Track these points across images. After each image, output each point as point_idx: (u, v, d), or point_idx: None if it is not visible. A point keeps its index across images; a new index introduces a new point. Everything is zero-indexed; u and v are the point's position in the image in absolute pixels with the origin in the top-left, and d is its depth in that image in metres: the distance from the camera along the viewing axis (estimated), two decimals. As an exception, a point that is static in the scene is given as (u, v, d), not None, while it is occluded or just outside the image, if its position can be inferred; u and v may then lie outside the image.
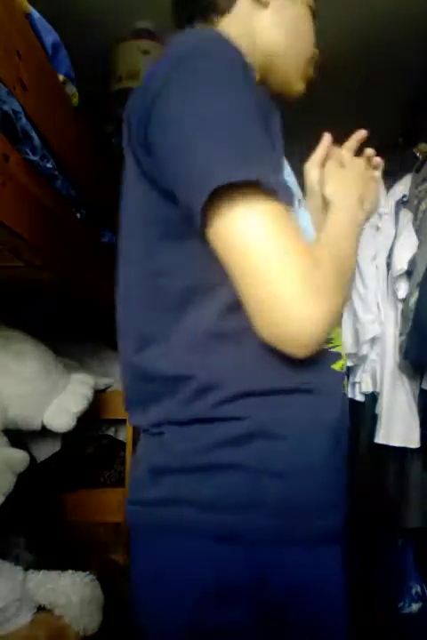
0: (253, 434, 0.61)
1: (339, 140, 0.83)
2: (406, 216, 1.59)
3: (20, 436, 1.37)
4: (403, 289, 1.54)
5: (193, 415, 0.62)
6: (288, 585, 0.61)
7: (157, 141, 0.61)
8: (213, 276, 0.61)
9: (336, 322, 0.67)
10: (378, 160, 0.83)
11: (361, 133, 0.83)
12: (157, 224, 0.64)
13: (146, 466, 0.67)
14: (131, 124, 0.65)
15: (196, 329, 0.62)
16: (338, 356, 0.69)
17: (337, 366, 0.69)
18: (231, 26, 0.75)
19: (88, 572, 1.21)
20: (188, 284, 0.63)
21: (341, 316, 0.69)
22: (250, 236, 0.56)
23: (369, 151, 0.82)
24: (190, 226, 0.59)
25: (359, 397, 1.67)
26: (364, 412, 1.65)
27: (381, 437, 1.53)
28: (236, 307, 0.60)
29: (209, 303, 0.62)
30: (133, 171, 0.66)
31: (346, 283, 0.63)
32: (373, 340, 1.62)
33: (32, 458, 1.32)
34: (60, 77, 1.18)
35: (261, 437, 0.61)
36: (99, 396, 1.51)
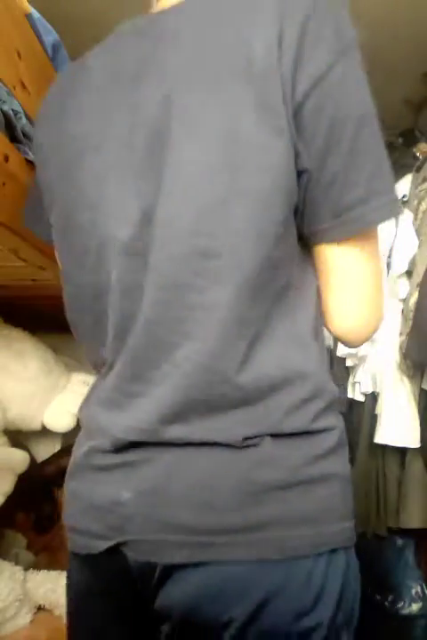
0: (342, 443, 0.62)
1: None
2: (406, 216, 1.59)
3: (19, 436, 1.37)
4: (403, 289, 1.54)
5: (297, 427, 0.58)
6: (354, 584, 0.62)
7: (318, 123, 0.55)
8: (305, 272, 0.62)
9: None
10: None
11: None
12: (290, 197, 0.56)
13: (233, 483, 0.57)
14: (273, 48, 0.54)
15: (301, 327, 0.60)
16: None
17: None
18: None
19: (88, 572, 1.21)
20: (288, 279, 0.59)
21: None
22: (375, 250, 0.62)
23: None
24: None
25: (359, 397, 1.67)
26: (364, 412, 1.65)
27: (381, 437, 1.53)
28: (318, 307, 0.63)
29: (305, 301, 0.62)
30: (270, 118, 0.54)
31: None
32: (373, 340, 1.62)
33: (32, 458, 1.32)
34: (61, 77, 1.18)
35: (343, 445, 0.62)
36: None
